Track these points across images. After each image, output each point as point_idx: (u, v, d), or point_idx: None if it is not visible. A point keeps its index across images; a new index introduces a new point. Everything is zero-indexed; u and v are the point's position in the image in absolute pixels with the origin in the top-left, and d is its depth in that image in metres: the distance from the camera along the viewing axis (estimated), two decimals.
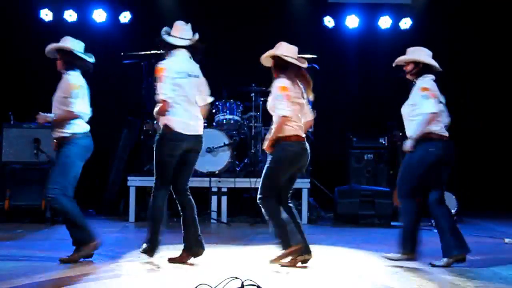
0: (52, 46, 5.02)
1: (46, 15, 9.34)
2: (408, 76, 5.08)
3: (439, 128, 4.91)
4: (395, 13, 9.71)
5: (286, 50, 4.78)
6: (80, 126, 4.87)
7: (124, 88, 8.91)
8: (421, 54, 5.02)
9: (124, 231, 6.91)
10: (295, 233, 4.68)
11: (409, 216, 5.07)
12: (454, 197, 7.80)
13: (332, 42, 9.42)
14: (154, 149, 4.76)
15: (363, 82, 9.64)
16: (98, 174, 8.71)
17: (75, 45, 5.02)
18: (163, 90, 4.61)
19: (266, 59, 4.93)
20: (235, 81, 8.49)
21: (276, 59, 4.82)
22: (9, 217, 7.16)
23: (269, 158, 4.82)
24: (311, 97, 4.91)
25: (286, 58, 4.75)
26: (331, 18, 9.64)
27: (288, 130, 4.71)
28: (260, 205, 4.80)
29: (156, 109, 4.71)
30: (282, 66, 4.80)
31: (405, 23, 9.68)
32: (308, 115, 4.95)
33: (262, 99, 8.33)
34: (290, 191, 4.95)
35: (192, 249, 4.80)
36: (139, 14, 9.44)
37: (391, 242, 6.07)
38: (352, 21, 9.64)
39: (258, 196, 4.79)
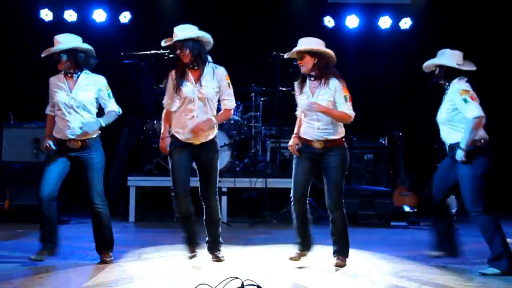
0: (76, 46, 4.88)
1: (46, 15, 9.34)
2: (440, 81, 4.84)
3: (485, 134, 4.66)
4: (395, 13, 9.71)
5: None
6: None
7: (124, 88, 8.88)
8: (445, 56, 4.81)
9: (124, 231, 6.90)
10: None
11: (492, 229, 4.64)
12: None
13: (332, 42, 9.27)
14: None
15: (363, 82, 9.63)
16: None
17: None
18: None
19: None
20: (235, 81, 8.46)
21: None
22: (9, 217, 7.16)
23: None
24: None
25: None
26: (331, 18, 9.64)
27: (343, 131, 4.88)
28: None
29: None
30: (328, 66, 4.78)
31: (405, 23, 9.68)
32: None
33: (262, 99, 8.34)
34: None
35: None
36: (139, 14, 9.44)
37: (391, 242, 6.08)
38: (352, 21, 9.65)
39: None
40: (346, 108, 4.65)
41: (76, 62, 4.77)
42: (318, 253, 5.05)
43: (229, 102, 4.77)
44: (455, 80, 4.76)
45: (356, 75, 9.59)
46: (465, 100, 4.55)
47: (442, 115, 4.75)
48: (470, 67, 4.84)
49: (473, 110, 4.50)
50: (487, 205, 4.60)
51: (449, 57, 4.81)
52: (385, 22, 9.69)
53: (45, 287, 3.95)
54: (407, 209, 8.07)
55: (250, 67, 8.90)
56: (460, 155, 4.55)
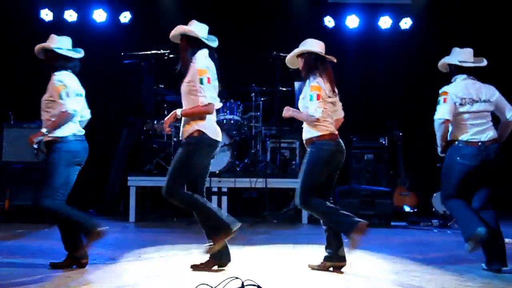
0: (37, 46, 4.85)
1: (46, 15, 9.35)
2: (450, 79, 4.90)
3: (468, 133, 4.66)
4: (395, 13, 9.71)
5: (317, 46, 4.74)
6: (65, 129, 4.66)
7: (124, 88, 8.91)
8: (451, 54, 4.86)
9: (124, 231, 6.91)
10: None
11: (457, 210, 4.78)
12: None
13: (332, 42, 9.34)
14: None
15: (363, 82, 9.65)
16: (98, 174, 8.71)
17: (61, 43, 4.83)
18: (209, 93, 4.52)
19: (292, 60, 4.82)
20: (235, 81, 8.49)
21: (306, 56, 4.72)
22: (9, 217, 7.16)
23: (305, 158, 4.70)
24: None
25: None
26: (331, 18, 9.64)
27: (322, 129, 4.63)
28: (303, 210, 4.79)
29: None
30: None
31: (405, 23, 9.68)
32: (340, 113, 4.90)
33: (262, 99, 8.34)
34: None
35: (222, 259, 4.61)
36: (139, 14, 9.44)
37: (391, 242, 6.08)
38: (352, 21, 9.65)
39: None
40: (310, 108, 4.56)
41: (47, 62, 4.87)
42: (318, 253, 5.05)
43: (201, 98, 4.52)
44: (459, 78, 4.79)
45: (356, 75, 9.61)
46: (438, 101, 4.68)
47: None
48: (478, 63, 4.85)
49: (438, 112, 4.66)
50: (450, 196, 4.74)
51: (454, 55, 4.85)
52: (385, 22, 9.69)
53: (45, 287, 3.95)
54: (407, 209, 8.07)
55: (250, 67, 8.90)
56: (438, 150, 4.82)
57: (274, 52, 7.44)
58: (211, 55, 4.72)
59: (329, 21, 9.63)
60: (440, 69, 4.98)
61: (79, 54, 4.89)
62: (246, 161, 8.17)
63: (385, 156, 8.75)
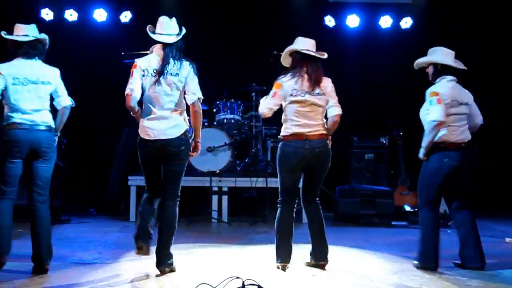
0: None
1: (46, 14, 9.35)
2: (430, 79, 4.91)
3: (454, 135, 4.72)
4: (396, 12, 9.71)
5: (303, 44, 4.71)
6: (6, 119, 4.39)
7: (125, 88, 8.89)
8: (437, 54, 4.85)
9: (125, 230, 6.89)
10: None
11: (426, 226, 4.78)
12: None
13: (332, 42, 9.41)
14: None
15: (364, 82, 9.64)
16: (98, 174, 8.72)
17: (18, 30, 4.57)
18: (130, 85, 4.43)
19: (285, 58, 4.85)
20: (236, 80, 8.49)
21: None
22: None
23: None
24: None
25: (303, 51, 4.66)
26: (331, 17, 9.64)
27: (284, 130, 4.62)
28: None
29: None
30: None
31: (406, 23, 9.68)
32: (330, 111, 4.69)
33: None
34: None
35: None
36: (140, 14, 9.44)
37: (392, 242, 6.08)
38: (352, 21, 9.65)
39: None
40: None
41: None
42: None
43: None
44: (438, 80, 4.82)
45: (356, 74, 9.61)
46: (431, 102, 4.64)
47: (420, 113, 4.84)
48: (461, 66, 4.88)
49: (433, 113, 4.60)
50: (429, 203, 4.75)
51: (443, 55, 4.84)
52: (385, 21, 9.69)
53: (45, 287, 3.95)
54: (407, 208, 8.07)
55: (250, 67, 8.90)
56: (420, 153, 4.77)
57: (275, 52, 7.39)
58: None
59: (329, 21, 9.63)
60: (416, 67, 4.96)
61: (27, 38, 4.51)
62: (246, 160, 8.17)
63: (385, 156, 8.75)
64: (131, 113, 4.51)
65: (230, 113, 8.20)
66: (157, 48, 4.54)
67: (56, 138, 4.62)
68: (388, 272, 4.60)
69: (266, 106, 4.64)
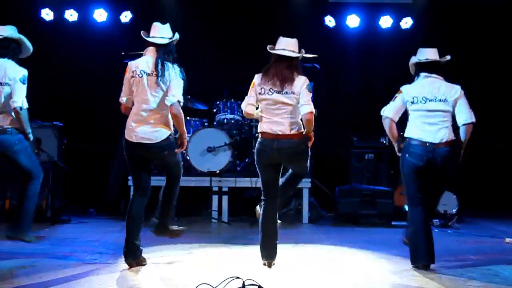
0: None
1: (47, 14, 9.33)
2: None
3: (416, 131, 4.68)
4: (396, 12, 9.69)
5: (281, 44, 4.74)
6: None
7: None
8: (413, 58, 4.92)
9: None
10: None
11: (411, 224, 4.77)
12: (455, 196, 7.81)
13: (333, 42, 9.41)
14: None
15: (364, 82, 9.63)
16: (98, 174, 8.71)
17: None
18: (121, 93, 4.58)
19: None
20: (236, 80, 8.48)
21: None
22: (9, 217, 7.14)
23: None
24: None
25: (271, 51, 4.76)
26: (332, 17, 9.62)
27: (259, 127, 4.67)
28: None
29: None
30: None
31: (406, 23, 9.66)
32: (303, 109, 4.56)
33: None
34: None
35: None
36: (140, 14, 9.43)
37: (392, 242, 6.07)
38: (353, 21, 9.63)
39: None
40: None
41: None
42: (318, 253, 5.05)
43: None
44: (419, 77, 4.86)
45: (356, 74, 9.60)
46: (392, 99, 4.80)
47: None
48: (432, 58, 4.83)
49: (384, 108, 4.79)
50: (409, 199, 4.76)
51: (418, 54, 4.90)
52: (386, 21, 9.67)
53: (45, 287, 3.95)
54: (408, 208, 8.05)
55: (251, 67, 8.87)
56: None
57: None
58: None
59: (329, 21, 9.61)
60: (411, 70, 5.02)
61: None
62: (246, 160, 8.17)
63: (385, 156, 8.74)
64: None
65: (230, 113, 8.20)
66: (149, 51, 4.63)
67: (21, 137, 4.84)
68: (388, 272, 4.60)
69: (244, 103, 4.72)
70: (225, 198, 7.64)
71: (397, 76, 9.67)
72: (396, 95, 4.78)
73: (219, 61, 9.06)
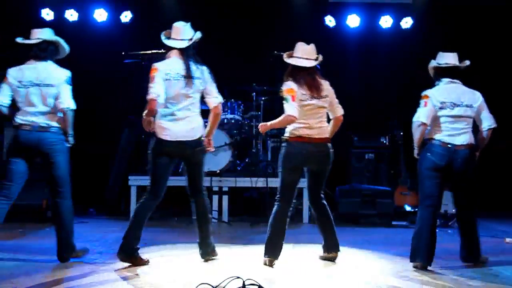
0: None
1: (47, 14, 9.35)
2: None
3: (441, 134, 4.74)
4: (396, 12, 9.70)
5: (295, 52, 4.77)
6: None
7: (125, 88, 8.91)
8: (437, 59, 4.95)
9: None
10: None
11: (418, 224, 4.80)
12: None
13: (333, 42, 9.41)
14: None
15: (364, 82, 9.64)
16: (99, 174, 8.72)
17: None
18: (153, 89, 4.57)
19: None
20: (236, 80, 8.49)
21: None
22: (9, 217, 7.14)
23: None
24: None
25: (286, 60, 4.75)
26: (332, 17, 9.64)
27: (292, 131, 4.69)
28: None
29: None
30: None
31: (406, 23, 9.68)
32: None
33: (263, 98, 8.34)
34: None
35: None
36: (140, 14, 9.44)
37: (392, 242, 6.08)
38: (353, 21, 9.64)
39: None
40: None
41: None
42: (318, 253, 5.05)
43: None
44: (442, 82, 4.87)
45: (357, 74, 9.61)
46: (419, 104, 4.78)
47: None
48: (454, 63, 4.91)
49: (417, 114, 4.77)
50: (423, 199, 4.81)
51: (439, 57, 4.95)
52: (386, 21, 9.68)
53: (45, 287, 3.95)
54: (408, 208, 8.07)
55: (251, 67, 8.90)
56: (414, 152, 4.90)
57: (275, 52, 7.41)
58: None
59: (330, 21, 9.63)
60: (430, 73, 5.05)
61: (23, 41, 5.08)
62: (247, 160, 8.17)
63: (386, 156, 8.75)
64: (148, 114, 4.71)
65: (231, 113, 8.20)
66: (173, 53, 4.70)
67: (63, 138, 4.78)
68: (389, 272, 4.60)
69: (291, 110, 4.57)
70: (225, 198, 7.65)
71: (397, 76, 9.77)
72: (425, 100, 4.76)
73: (219, 61, 9.04)
